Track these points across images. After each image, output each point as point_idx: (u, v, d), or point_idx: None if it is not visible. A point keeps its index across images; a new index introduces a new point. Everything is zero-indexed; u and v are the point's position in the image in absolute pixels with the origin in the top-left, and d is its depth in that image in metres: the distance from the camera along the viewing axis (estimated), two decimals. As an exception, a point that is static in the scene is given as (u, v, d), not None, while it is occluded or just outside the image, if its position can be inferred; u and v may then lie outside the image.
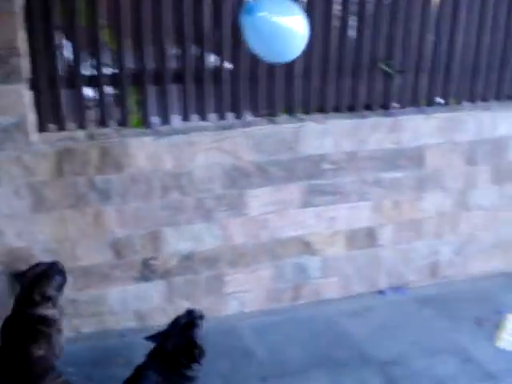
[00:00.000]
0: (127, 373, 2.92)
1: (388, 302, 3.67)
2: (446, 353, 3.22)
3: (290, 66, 3.24)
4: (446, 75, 3.61)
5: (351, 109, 3.47)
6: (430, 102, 3.64)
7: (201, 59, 3.16)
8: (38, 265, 2.86)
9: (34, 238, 3.04)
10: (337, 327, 3.38)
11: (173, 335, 2.59)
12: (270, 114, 3.32)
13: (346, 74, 3.40)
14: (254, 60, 3.15)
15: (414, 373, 3.03)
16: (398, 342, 3.25)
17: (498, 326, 3.44)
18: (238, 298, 3.48)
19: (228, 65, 3.23)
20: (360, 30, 3.36)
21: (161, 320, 3.29)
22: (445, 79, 3.63)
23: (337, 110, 3.44)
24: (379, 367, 3.06)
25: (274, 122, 3.26)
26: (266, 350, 3.19)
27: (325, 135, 3.32)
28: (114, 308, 3.29)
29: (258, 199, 3.31)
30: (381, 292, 3.76)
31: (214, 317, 3.41)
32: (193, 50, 3.15)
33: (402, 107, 3.57)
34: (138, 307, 3.32)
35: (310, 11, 3.12)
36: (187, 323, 2.60)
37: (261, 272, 3.46)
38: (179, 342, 2.55)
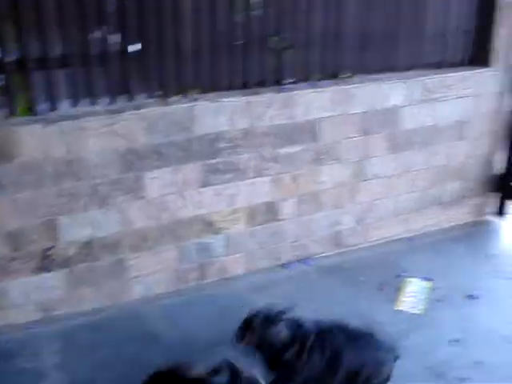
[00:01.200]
0: (32, 364, 2.90)
1: (293, 274, 3.76)
2: (349, 318, 3.31)
3: (179, 46, 3.23)
4: (337, 49, 3.68)
5: (244, 86, 3.49)
6: (322, 76, 3.70)
7: (86, 41, 3.09)
8: None
9: None
10: (243, 302, 3.41)
11: None
12: (163, 94, 3.30)
13: (237, 52, 3.41)
14: (143, 39, 3.13)
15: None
16: (302, 312, 3.31)
17: (397, 289, 3.59)
18: (143, 282, 3.46)
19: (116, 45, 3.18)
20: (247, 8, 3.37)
21: (65, 309, 3.28)
22: (336, 53, 3.69)
23: (230, 88, 3.45)
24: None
25: (166, 103, 3.24)
26: (174, 331, 3.20)
27: (219, 113, 3.33)
28: (16, 301, 3.21)
29: (156, 181, 3.29)
30: (285, 265, 3.84)
31: (119, 302, 3.41)
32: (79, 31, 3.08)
33: (295, 82, 3.61)
34: (40, 298, 3.26)
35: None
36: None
37: (164, 254, 3.46)
38: None
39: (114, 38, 3.16)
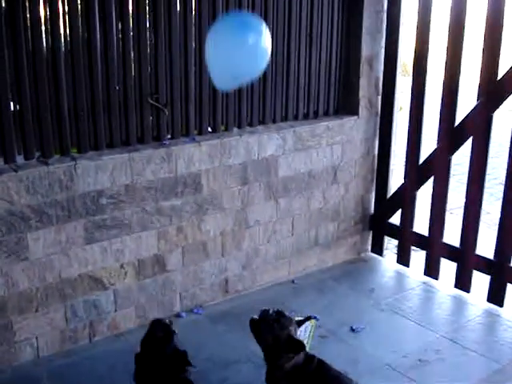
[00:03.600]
0: None
1: (184, 323, 3.80)
2: (240, 362, 3.43)
3: (59, 106, 3.29)
4: (213, 105, 3.89)
5: (125, 143, 3.59)
6: (201, 131, 3.88)
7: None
8: None
9: None
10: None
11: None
12: (42, 155, 3.33)
13: (116, 110, 3.51)
14: (22, 101, 3.18)
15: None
16: (194, 361, 3.39)
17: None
18: (32, 344, 3.40)
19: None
20: (127, 68, 3.51)
21: None
22: (212, 108, 3.90)
23: (110, 145, 3.54)
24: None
25: (46, 164, 3.27)
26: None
27: (100, 171, 3.39)
28: None
29: (40, 241, 3.29)
30: (177, 315, 3.90)
31: (8, 366, 3.33)
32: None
33: (174, 138, 3.76)
34: None
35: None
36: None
37: (52, 314, 3.43)
38: None
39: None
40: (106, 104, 3.48)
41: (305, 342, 2.95)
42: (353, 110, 4.50)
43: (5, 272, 3.22)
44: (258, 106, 4.09)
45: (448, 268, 4.38)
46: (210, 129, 3.94)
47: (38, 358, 3.44)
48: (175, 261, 3.82)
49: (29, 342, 3.40)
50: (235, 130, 4.02)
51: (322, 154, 4.35)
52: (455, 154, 4.21)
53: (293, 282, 4.41)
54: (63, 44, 3.27)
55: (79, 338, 3.57)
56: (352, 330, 3.79)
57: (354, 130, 4.50)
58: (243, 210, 4.05)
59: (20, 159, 3.28)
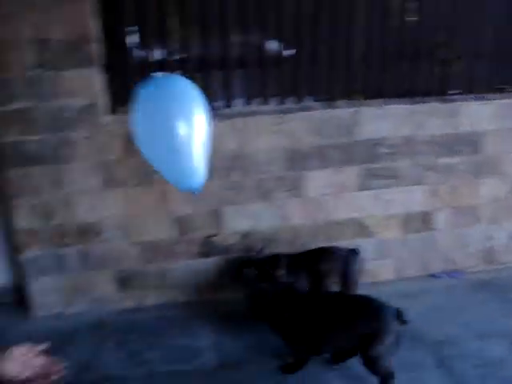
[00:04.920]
0: (186, 342, 3.12)
1: (441, 285, 3.72)
2: (498, 336, 3.26)
3: (350, 52, 3.33)
4: (505, 62, 3.61)
5: (409, 94, 3.52)
6: (489, 89, 3.65)
7: (262, 45, 3.28)
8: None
9: (105, 213, 3.25)
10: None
11: None
12: (329, 98, 3.42)
13: (405, 60, 3.45)
14: (315, 45, 3.27)
15: (466, 354, 3.07)
16: (451, 324, 3.30)
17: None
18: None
19: (289, 51, 3.34)
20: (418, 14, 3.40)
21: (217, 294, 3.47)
22: (503, 66, 3.62)
23: (394, 95, 3.50)
24: (431, 347, 3.12)
25: (332, 107, 3.35)
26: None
27: (382, 120, 3.39)
28: (176, 281, 3.48)
29: (316, 181, 3.42)
30: (435, 276, 3.82)
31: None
32: (256, 36, 3.28)
33: (460, 94, 3.59)
34: (197, 281, 3.50)
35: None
36: None
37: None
38: None
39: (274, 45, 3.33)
40: (395, 53, 3.43)
41: None
42: None
43: (282, 205, 3.42)
44: None
45: None
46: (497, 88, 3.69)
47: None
48: (442, 220, 3.71)
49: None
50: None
51: None
52: None
53: None
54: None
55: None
56: None
57: None
58: (522, 179, 3.77)
59: (309, 100, 3.40)
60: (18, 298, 3.48)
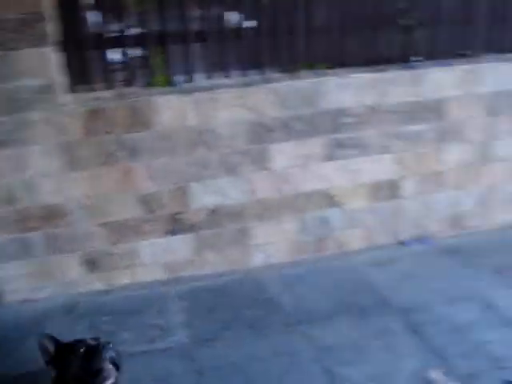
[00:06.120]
0: (159, 321, 3.10)
1: (411, 252, 3.75)
2: (467, 300, 3.29)
3: (311, 21, 3.30)
4: (466, 28, 3.61)
5: (371, 63, 3.51)
6: (452, 55, 3.65)
7: (222, 18, 3.22)
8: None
9: (69, 195, 3.20)
10: (360, 276, 3.48)
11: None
12: (292, 69, 3.38)
13: (366, 29, 3.43)
14: (275, 16, 3.22)
15: (436, 319, 3.10)
16: (420, 290, 3.33)
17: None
18: (263, 250, 3.60)
19: (249, 22, 3.30)
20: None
21: (190, 272, 3.47)
22: (465, 32, 3.63)
23: (357, 64, 3.48)
24: (401, 313, 3.14)
25: (295, 78, 3.32)
26: (292, 300, 3.30)
27: (346, 89, 3.37)
28: (145, 260, 3.45)
29: (282, 153, 3.40)
30: (404, 243, 3.85)
31: (240, 268, 3.56)
32: (215, 9, 3.23)
33: (422, 61, 3.58)
34: (166, 260, 3.48)
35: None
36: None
37: (285, 225, 3.57)
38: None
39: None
40: (356, 21, 3.41)
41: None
42: None
43: (248, 179, 3.40)
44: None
45: None
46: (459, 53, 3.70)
47: (267, 264, 3.63)
48: (409, 188, 3.73)
49: (261, 248, 3.59)
50: (488, 56, 3.71)
51: None
52: None
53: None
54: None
55: (307, 250, 3.69)
56: None
57: None
58: (486, 144, 3.79)
59: (271, 73, 3.37)
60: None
